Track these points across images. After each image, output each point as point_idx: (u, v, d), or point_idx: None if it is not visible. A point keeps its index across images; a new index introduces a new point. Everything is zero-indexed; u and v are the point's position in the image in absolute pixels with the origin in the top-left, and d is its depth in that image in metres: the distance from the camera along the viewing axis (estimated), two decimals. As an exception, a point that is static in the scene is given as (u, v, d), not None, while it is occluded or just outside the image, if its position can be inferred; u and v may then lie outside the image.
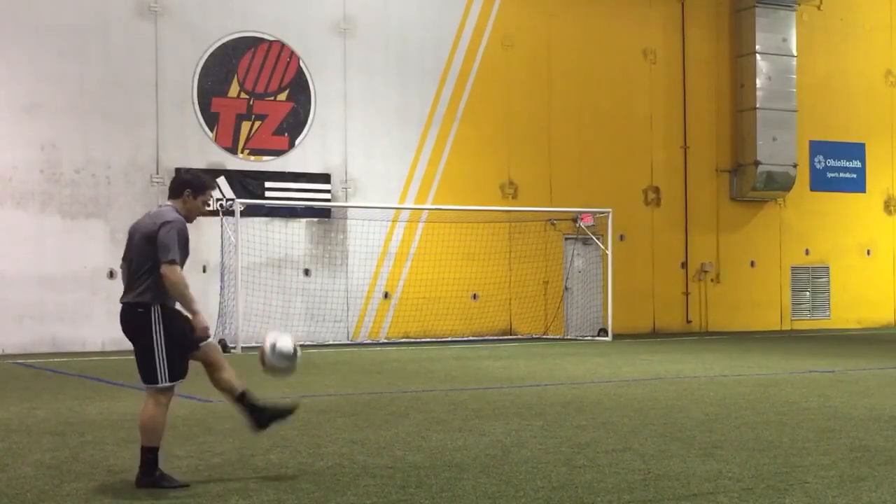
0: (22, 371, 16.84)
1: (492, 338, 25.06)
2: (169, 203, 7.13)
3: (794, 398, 11.76)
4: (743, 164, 28.96)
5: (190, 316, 6.90)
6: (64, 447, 8.58)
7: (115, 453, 8.25)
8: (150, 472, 6.84)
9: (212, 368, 7.12)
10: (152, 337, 6.83)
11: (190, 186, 7.12)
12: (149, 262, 6.85)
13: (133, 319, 6.92)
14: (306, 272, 23.93)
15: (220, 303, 22.01)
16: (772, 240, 29.74)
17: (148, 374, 6.87)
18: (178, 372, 6.92)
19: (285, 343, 7.32)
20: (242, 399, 7.20)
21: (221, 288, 22.12)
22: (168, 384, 6.86)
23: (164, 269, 6.76)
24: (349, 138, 24.59)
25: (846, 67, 30.65)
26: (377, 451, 8.21)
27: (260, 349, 7.37)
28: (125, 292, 7.03)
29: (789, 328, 29.71)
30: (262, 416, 7.24)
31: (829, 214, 30.43)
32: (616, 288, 25.07)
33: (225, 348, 20.91)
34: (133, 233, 7.05)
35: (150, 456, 6.85)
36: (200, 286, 22.82)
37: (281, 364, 7.33)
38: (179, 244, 6.83)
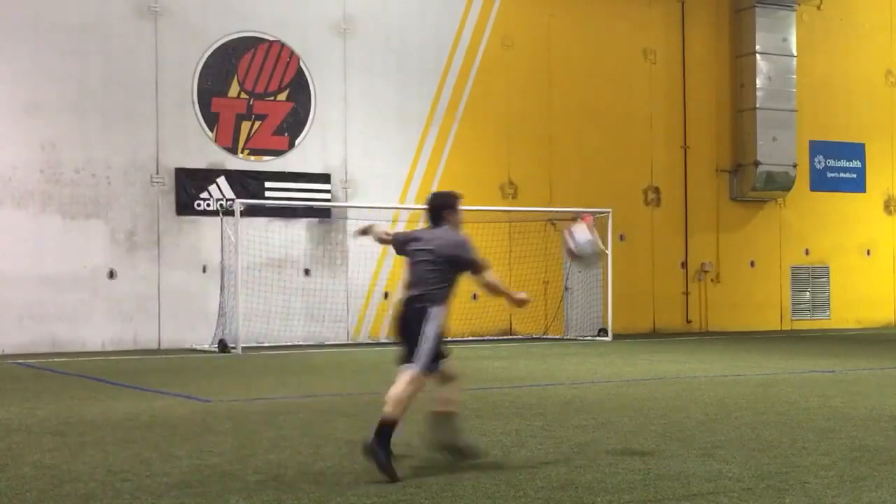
0: (22, 371, 16.84)
1: (492, 338, 25.06)
2: (444, 226, 7.79)
3: (794, 398, 11.76)
4: (743, 164, 28.96)
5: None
6: (64, 447, 8.58)
7: (115, 453, 8.25)
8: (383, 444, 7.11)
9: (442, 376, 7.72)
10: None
11: (446, 209, 7.85)
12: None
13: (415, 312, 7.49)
14: (306, 272, 23.93)
15: (220, 303, 22.00)
16: (772, 240, 29.75)
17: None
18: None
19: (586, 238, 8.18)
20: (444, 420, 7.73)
21: (221, 288, 22.11)
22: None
23: (486, 274, 7.65)
24: (349, 138, 24.59)
25: (846, 67, 30.65)
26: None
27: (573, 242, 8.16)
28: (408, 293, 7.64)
29: (789, 328, 29.71)
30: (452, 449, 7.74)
31: (829, 214, 30.43)
32: (616, 288, 25.06)
33: (225, 348, 20.92)
34: (427, 244, 7.67)
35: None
36: (200, 286, 22.87)
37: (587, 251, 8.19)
38: (477, 253, 7.67)
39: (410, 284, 7.59)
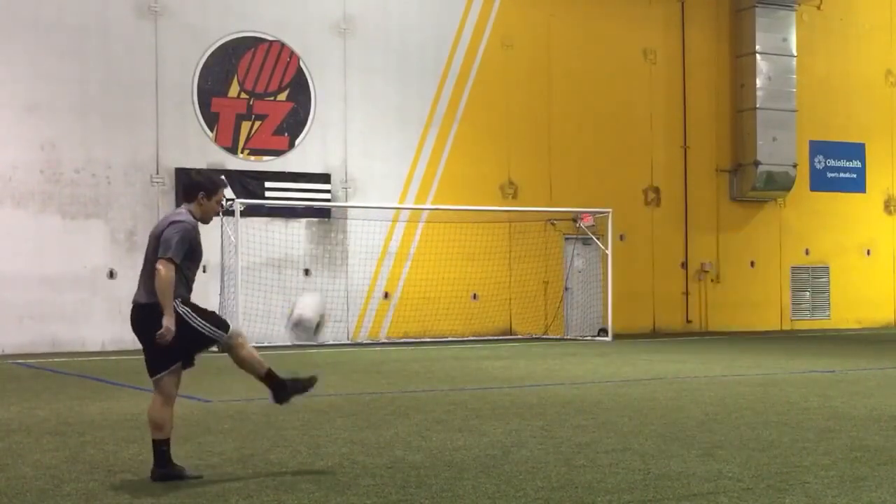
0: (22, 371, 16.84)
1: (492, 338, 25.06)
2: (183, 207, 7.30)
3: (794, 398, 11.76)
4: (743, 164, 28.96)
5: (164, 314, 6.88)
6: (64, 447, 8.58)
7: (115, 453, 8.25)
8: (163, 464, 7.04)
9: (232, 351, 7.20)
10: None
11: (202, 188, 7.27)
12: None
13: (145, 318, 6.99)
14: (306, 272, 23.93)
15: (220, 303, 21.99)
16: (772, 240, 29.75)
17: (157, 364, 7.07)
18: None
19: (308, 317, 7.72)
20: (268, 377, 7.30)
21: (221, 288, 22.11)
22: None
23: (158, 263, 6.89)
24: (349, 138, 24.59)
25: (846, 67, 30.65)
26: (377, 451, 8.20)
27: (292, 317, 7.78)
28: (137, 292, 7.12)
29: (789, 328, 29.71)
30: (283, 391, 7.35)
31: (829, 214, 30.43)
32: (616, 288, 25.06)
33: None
34: (150, 235, 7.21)
35: (163, 448, 7.01)
36: (200, 286, 22.80)
37: (301, 334, 7.81)
38: (181, 243, 6.96)
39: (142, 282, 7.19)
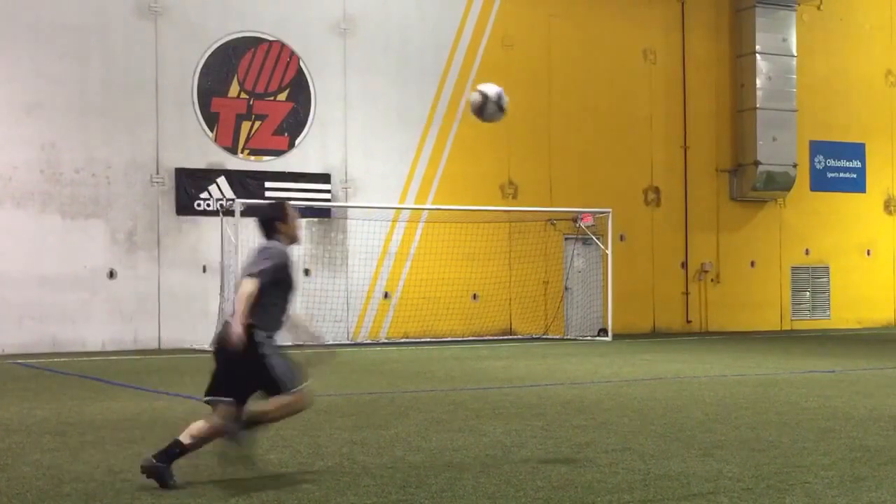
0: (22, 371, 16.84)
1: (492, 338, 25.06)
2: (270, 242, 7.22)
3: (794, 398, 11.76)
4: (743, 164, 28.96)
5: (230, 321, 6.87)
6: (64, 447, 8.58)
7: (114, 453, 8.25)
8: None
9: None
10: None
11: (275, 220, 7.24)
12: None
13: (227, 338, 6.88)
14: (306, 272, 23.92)
15: (220, 303, 22.00)
16: (772, 240, 29.75)
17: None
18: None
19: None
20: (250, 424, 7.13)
21: (221, 288, 22.11)
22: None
23: (242, 278, 6.91)
24: (349, 138, 24.59)
25: (846, 67, 30.65)
26: (377, 451, 8.20)
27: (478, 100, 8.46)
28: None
29: (789, 328, 29.71)
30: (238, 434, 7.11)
31: (829, 214, 30.44)
32: (616, 288, 25.07)
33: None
34: (242, 268, 7.26)
35: (176, 451, 6.88)
36: (200, 286, 22.86)
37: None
38: (269, 260, 6.95)
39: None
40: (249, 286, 6.81)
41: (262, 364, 6.89)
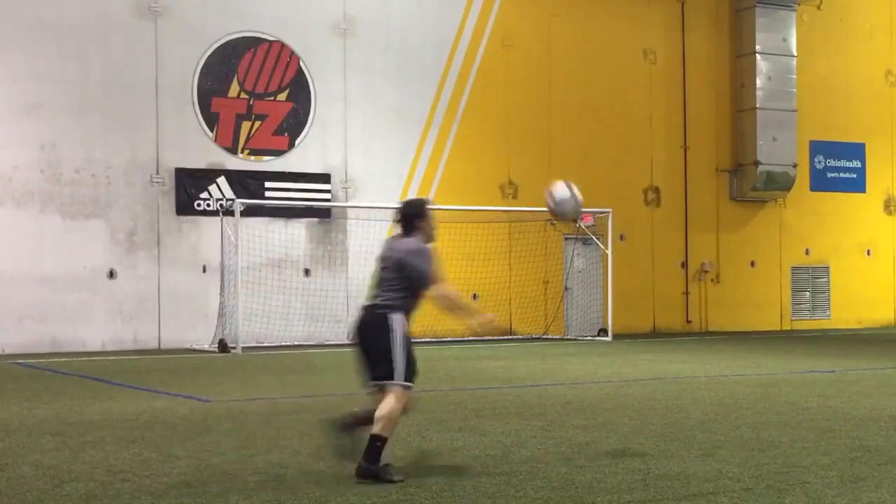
0: (22, 371, 16.84)
1: (492, 338, 25.04)
2: (410, 238, 7.41)
3: (794, 398, 11.76)
4: (743, 164, 28.96)
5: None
6: (64, 447, 8.58)
7: (114, 453, 8.24)
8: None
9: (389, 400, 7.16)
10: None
11: (416, 217, 7.45)
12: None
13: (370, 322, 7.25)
14: (306, 272, 23.93)
15: (220, 303, 22.00)
16: (772, 240, 29.75)
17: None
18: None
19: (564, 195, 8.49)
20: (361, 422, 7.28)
21: (221, 288, 22.11)
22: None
23: (432, 294, 7.27)
24: (349, 138, 24.59)
25: (846, 67, 30.65)
26: (377, 451, 8.19)
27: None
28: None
29: (789, 328, 29.71)
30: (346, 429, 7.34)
31: (829, 214, 30.44)
32: (616, 288, 25.06)
33: (225, 348, 20.93)
34: (380, 258, 7.47)
35: (378, 444, 6.94)
36: (200, 286, 22.87)
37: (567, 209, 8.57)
38: (433, 268, 7.31)
39: (373, 292, 7.42)
40: (447, 288, 7.30)
41: (388, 349, 7.09)
